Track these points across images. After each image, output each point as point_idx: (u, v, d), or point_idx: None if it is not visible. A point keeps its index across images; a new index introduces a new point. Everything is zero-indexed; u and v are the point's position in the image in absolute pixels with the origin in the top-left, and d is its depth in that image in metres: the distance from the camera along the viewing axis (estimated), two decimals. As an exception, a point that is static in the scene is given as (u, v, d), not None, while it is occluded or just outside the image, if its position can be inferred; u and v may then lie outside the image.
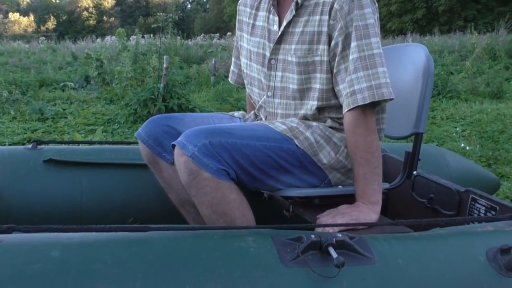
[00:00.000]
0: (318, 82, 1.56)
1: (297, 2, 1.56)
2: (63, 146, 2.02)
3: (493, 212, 1.60)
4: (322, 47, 1.54)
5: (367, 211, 1.48)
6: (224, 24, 40.84)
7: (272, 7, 1.64)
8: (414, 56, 1.80)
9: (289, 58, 1.59)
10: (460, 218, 1.66)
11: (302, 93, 1.59)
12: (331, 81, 1.55)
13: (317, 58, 1.55)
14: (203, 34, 21.03)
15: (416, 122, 1.72)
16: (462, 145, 4.25)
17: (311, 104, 1.58)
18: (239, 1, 1.83)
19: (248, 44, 1.74)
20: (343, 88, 1.51)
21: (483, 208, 1.65)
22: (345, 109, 1.50)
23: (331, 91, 1.56)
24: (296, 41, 1.57)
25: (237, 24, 1.83)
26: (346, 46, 1.51)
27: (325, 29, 1.53)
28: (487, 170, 2.55)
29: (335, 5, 1.50)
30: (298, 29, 1.57)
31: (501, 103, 6.62)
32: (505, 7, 24.45)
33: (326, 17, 1.52)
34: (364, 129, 1.49)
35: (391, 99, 1.50)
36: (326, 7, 1.52)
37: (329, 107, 1.58)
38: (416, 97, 1.74)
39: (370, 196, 1.50)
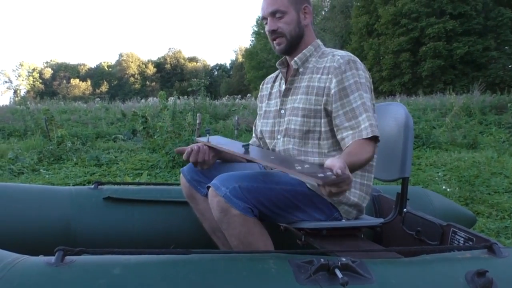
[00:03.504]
0: (317, 125, 1.60)
1: (297, 69, 1.66)
2: (118, 186, 2.07)
3: (470, 242, 1.60)
4: (323, 98, 1.58)
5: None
6: (244, 87, 41.31)
7: (283, 72, 1.75)
8: (395, 113, 1.82)
9: (295, 105, 1.64)
10: (443, 247, 1.66)
11: (302, 133, 1.61)
12: (327, 124, 1.58)
13: (319, 107, 1.59)
14: (227, 96, 21.21)
15: (401, 168, 1.74)
16: (444, 187, 4.21)
17: (311, 142, 1.61)
18: (262, 82, 1.92)
19: (267, 107, 1.81)
20: (345, 127, 1.52)
21: (462, 239, 1.65)
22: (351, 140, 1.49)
23: (327, 133, 1.59)
24: (302, 92, 1.63)
25: (259, 98, 1.91)
26: (343, 96, 1.54)
27: (323, 84, 1.59)
28: (465, 208, 2.53)
29: (334, 64, 1.57)
30: (303, 84, 1.64)
31: (476, 152, 6.56)
32: (478, 72, 24.47)
33: (325, 76, 1.59)
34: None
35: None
36: (327, 69, 1.59)
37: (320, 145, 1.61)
38: (399, 147, 1.75)
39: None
